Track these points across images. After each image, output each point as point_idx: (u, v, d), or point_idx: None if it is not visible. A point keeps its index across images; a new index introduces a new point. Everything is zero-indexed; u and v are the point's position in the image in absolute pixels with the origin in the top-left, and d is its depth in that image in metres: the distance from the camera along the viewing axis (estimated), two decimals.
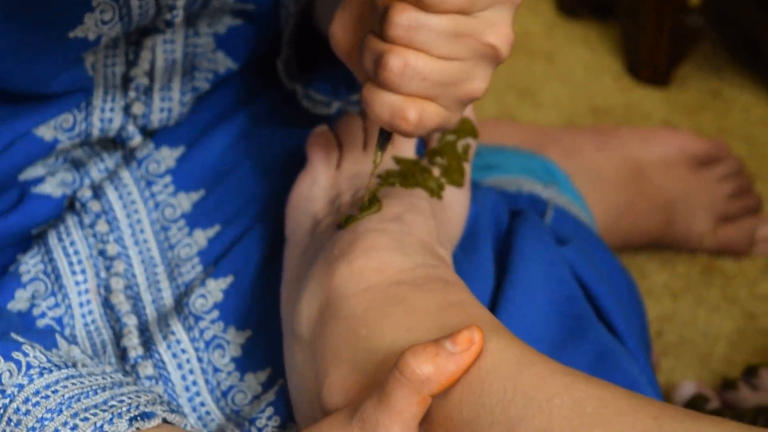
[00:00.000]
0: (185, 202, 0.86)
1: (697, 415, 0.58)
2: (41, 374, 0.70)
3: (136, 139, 0.87)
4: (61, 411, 0.69)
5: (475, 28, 0.67)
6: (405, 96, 0.67)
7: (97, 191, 0.86)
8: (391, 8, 0.66)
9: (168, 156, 0.87)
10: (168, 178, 0.87)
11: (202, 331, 0.80)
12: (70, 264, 0.83)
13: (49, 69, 0.77)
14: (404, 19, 0.66)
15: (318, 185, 0.80)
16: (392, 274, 0.71)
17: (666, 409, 0.58)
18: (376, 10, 0.67)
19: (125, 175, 0.86)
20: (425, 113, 0.68)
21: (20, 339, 0.71)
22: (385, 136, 0.72)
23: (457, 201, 0.80)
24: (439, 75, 0.67)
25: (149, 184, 0.86)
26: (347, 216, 0.75)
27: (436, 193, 0.78)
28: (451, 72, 0.67)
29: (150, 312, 0.82)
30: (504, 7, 0.67)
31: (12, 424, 0.69)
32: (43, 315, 0.81)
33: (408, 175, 0.79)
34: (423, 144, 0.84)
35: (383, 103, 0.68)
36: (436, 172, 0.80)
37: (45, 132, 0.82)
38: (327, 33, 0.83)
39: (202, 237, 0.85)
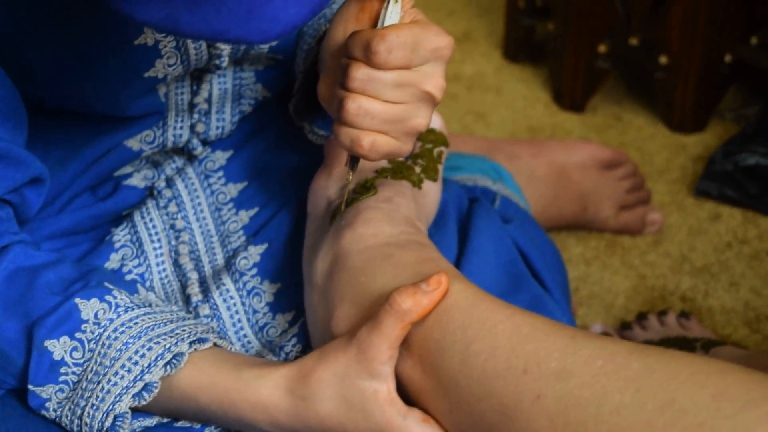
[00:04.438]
0: (233, 190, 0.86)
1: (601, 337, 0.59)
2: (126, 311, 0.70)
3: (199, 149, 0.86)
4: (140, 337, 0.69)
5: (414, 79, 0.65)
6: (360, 129, 0.66)
7: (169, 182, 0.86)
8: (350, 66, 0.65)
9: (221, 157, 0.87)
10: (221, 173, 0.86)
11: (245, 284, 0.80)
12: (150, 235, 0.83)
13: (127, 99, 0.76)
14: (359, 74, 0.65)
15: (332, 177, 0.79)
16: (383, 238, 0.71)
17: (579, 331, 0.59)
18: (340, 68, 0.67)
19: (190, 171, 0.86)
20: (376, 142, 0.67)
21: (111, 287, 0.72)
22: (354, 160, 0.72)
23: (432, 191, 0.80)
24: (386, 115, 0.66)
25: (207, 177, 0.86)
26: (352, 198, 0.75)
27: (417, 184, 0.78)
28: (396, 112, 0.66)
29: (207, 270, 0.82)
30: (437, 63, 0.66)
31: (105, 346, 0.69)
32: (129, 272, 0.81)
33: (397, 171, 0.78)
34: None
35: (345, 135, 0.67)
36: (417, 170, 0.79)
37: (133, 144, 0.81)
38: None
39: (245, 216, 0.85)
